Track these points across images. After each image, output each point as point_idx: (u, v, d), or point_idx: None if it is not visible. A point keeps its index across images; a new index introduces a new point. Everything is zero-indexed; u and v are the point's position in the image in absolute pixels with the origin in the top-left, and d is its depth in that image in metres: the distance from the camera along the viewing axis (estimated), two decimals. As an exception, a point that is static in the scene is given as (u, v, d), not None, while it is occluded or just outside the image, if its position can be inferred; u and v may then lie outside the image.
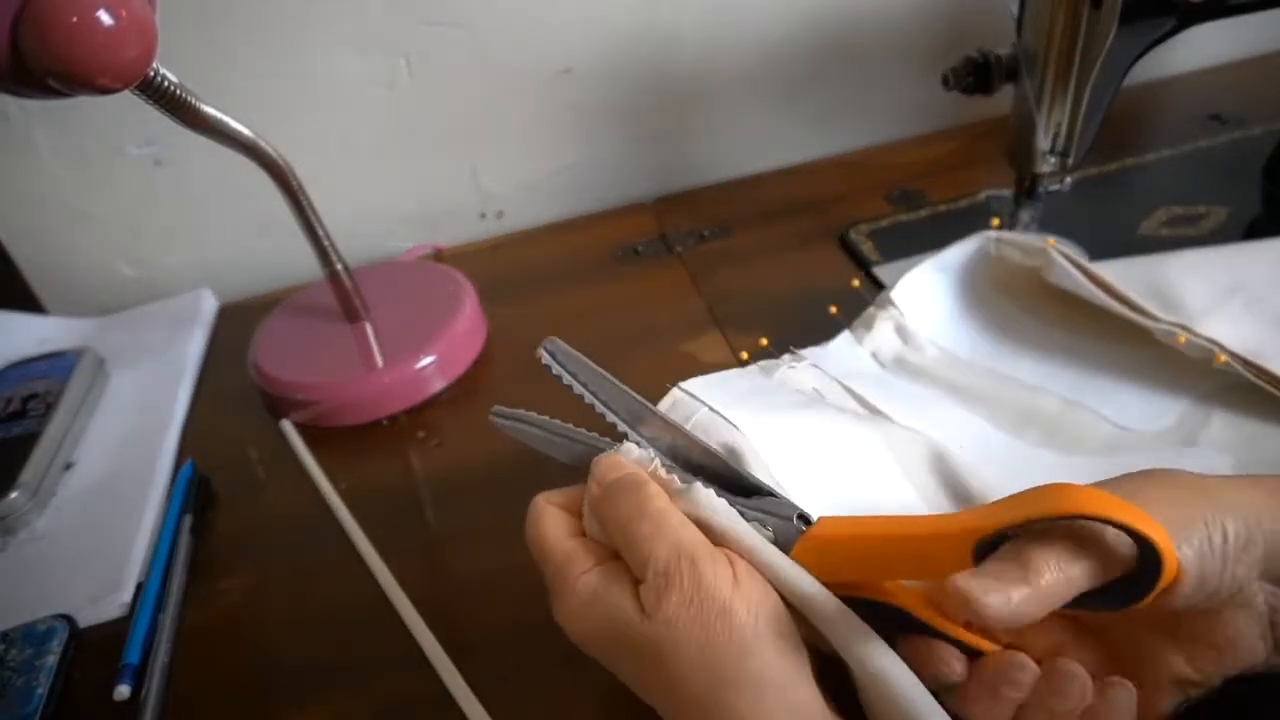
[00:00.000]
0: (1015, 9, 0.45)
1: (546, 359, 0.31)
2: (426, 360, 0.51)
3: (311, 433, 0.50)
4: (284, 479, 0.48)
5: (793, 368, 0.42)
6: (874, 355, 0.44)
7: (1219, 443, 0.37)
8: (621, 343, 0.52)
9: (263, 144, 0.44)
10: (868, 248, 0.57)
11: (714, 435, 0.33)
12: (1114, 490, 0.24)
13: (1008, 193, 0.53)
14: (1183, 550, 0.24)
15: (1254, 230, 0.51)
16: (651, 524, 0.27)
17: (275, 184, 0.47)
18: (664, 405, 0.35)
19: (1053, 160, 0.47)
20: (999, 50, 0.47)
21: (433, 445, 0.49)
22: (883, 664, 0.25)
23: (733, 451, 0.33)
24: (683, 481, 0.29)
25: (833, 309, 0.46)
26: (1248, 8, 0.43)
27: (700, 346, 0.51)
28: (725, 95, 0.68)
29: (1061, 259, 0.41)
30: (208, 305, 0.64)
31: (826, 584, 0.27)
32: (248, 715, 0.37)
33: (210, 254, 0.67)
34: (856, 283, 0.46)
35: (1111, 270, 0.42)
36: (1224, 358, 0.37)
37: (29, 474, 0.47)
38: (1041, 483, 0.25)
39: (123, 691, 0.37)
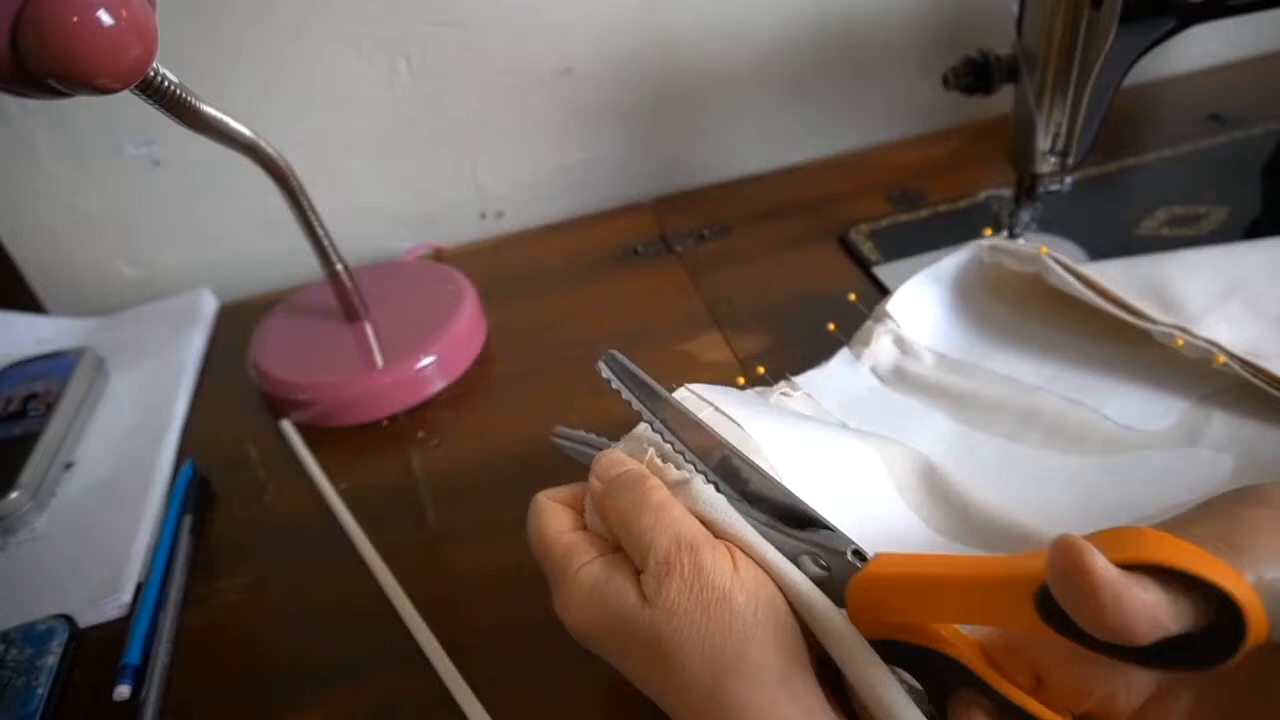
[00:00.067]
0: (1015, 9, 0.45)
1: (606, 373, 0.31)
2: (426, 360, 0.51)
3: (311, 433, 0.50)
4: (284, 479, 0.48)
5: (786, 394, 0.42)
6: (873, 370, 0.44)
7: (1220, 442, 0.37)
8: (621, 342, 0.51)
9: (263, 144, 0.44)
10: (868, 248, 0.57)
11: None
12: (1207, 520, 0.22)
13: (1007, 193, 0.53)
14: None
15: (1254, 230, 0.51)
16: (653, 515, 0.28)
17: (275, 184, 0.47)
18: None
19: (1052, 160, 0.47)
20: (999, 50, 0.47)
21: (432, 445, 0.49)
22: (872, 676, 0.25)
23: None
24: (706, 481, 0.29)
25: (830, 326, 0.46)
26: (1248, 8, 0.43)
27: (700, 346, 0.51)
28: (725, 95, 0.68)
29: (1057, 266, 0.41)
30: (208, 305, 0.64)
31: (879, 624, 0.26)
32: (248, 715, 0.37)
33: (210, 254, 0.67)
34: (854, 296, 0.46)
35: (1110, 270, 0.42)
36: (1223, 359, 0.37)
37: (29, 474, 0.47)
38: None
39: (123, 692, 0.37)
